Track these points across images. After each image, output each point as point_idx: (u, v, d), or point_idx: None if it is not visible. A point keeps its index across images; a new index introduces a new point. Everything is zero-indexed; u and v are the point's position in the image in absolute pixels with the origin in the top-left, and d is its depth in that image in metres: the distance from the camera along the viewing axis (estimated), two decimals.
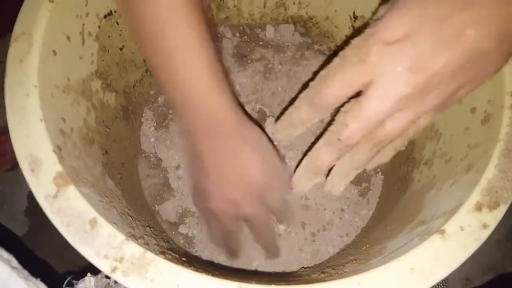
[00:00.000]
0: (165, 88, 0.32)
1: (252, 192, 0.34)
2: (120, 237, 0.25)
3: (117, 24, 0.40)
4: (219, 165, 0.33)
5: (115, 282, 0.29)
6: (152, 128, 0.50)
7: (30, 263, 0.29)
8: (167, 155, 0.49)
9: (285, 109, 0.34)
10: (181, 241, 0.46)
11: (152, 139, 0.50)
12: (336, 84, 0.25)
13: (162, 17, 0.29)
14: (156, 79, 0.33)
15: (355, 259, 0.33)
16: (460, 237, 0.26)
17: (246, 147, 0.33)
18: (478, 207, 0.27)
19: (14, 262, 0.28)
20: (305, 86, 0.36)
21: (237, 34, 0.54)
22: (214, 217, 0.36)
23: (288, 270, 0.43)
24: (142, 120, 0.50)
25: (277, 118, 0.29)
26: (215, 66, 0.31)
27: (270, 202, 0.35)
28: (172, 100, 0.32)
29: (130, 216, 0.32)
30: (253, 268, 0.43)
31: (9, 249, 0.29)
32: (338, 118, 0.26)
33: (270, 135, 0.36)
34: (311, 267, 0.42)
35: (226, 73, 0.34)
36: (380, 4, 0.27)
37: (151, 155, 0.49)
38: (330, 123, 0.27)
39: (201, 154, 0.33)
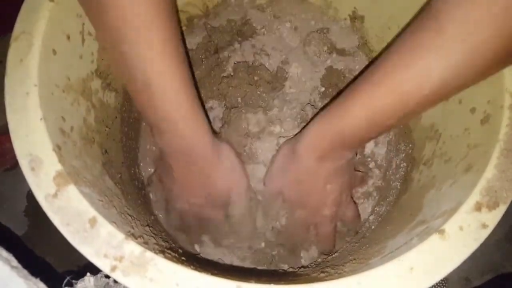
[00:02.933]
0: (141, 109, 0.34)
1: (214, 199, 0.40)
2: (120, 236, 0.25)
3: None
4: (187, 179, 0.38)
5: (115, 281, 0.29)
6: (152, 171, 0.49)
7: (30, 262, 0.29)
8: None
9: None
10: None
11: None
12: None
13: (133, 39, 0.29)
14: (133, 100, 0.34)
15: (354, 259, 0.33)
16: (459, 237, 0.26)
17: (215, 169, 0.38)
18: (478, 207, 0.27)
19: (14, 262, 0.28)
20: None
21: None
22: (176, 212, 0.42)
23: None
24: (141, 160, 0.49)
25: None
26: (190, 90, 0.33)
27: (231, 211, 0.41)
28: (148, 120, 0.35)
29: (130, 215, 0.32)
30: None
31: (8, 249, 0.29)
32: None
33: None
34: (310, 266, 0.42)
35: (199, 96, 0.37)
36: None
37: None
38: None
39: (171, 168, 0.38)
